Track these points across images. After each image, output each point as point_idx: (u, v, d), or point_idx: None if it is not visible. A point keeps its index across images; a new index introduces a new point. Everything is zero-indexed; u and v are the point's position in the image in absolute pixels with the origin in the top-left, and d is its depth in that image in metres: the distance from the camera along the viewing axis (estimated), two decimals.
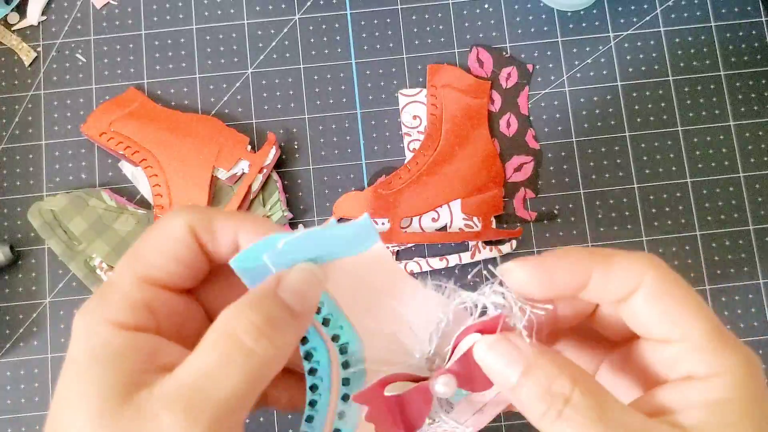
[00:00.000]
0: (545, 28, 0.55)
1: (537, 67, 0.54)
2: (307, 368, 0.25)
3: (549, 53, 0.54)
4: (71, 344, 0.23)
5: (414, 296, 0.25)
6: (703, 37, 0.54)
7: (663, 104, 0.53)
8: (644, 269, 0.23)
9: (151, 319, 0.23)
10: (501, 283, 0.24)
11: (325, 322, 0.25)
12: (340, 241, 0.24)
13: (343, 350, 0.25)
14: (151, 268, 0.24)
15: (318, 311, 0.25)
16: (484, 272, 0.27)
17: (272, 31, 0.55)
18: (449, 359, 0.25)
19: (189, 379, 0.21)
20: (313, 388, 0.25)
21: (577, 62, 0.54)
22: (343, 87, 0.54)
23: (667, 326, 0.22)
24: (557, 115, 0.53)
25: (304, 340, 0.25)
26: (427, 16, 0.55)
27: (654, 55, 0.54)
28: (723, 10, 0.55)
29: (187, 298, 0.26)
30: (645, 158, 0.53)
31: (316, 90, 0.54)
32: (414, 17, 0.55)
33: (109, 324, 0.22)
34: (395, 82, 0.54)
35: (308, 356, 0.25)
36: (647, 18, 0.55)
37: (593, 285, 0.23)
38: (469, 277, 0.45)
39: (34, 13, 0.55)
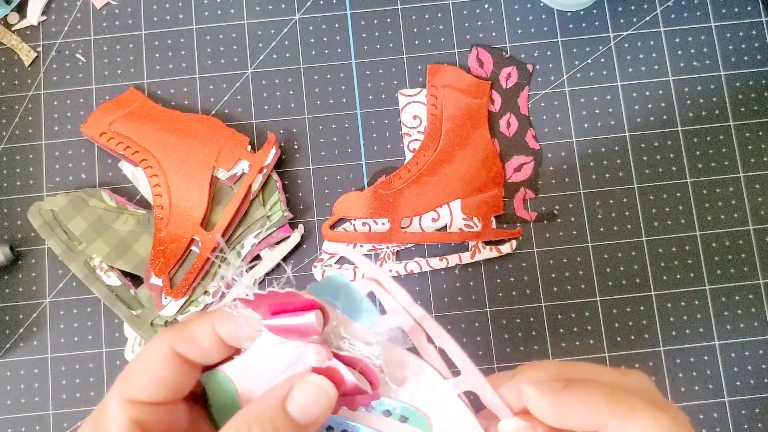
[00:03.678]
0: (545, 28, 0.55)
1: (537, 67, 0.54)
2: None
3: (549, 53, 0.54)
4: None
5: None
6: (703, 37, 0.54)
7: (663, 104, 0.53)
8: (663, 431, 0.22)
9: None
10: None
11: None
12: None
13: None
14: (134, 391, 0.25)
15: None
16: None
17: (272, 31, 0.55)
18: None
19: None
20: None
21: (577, 62, 0.54)
22: (343, 87, 0.54)
23: None
24: (557, 115, 0.53)
25: None
26: (427, 16, 0.55)
27: (654, 55, 0.54)
28: (723, 10, 0.55)
29: (182, 405, 0.27)
30: (645, 158, 0.53)
31: (316, 90, 0.54)
32: (414, 17, 0.55)
33: None
34: (395, 82, 0.54)
35: None
36: (647, 18, 0.55)
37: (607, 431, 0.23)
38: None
39: (34, 13, 0.55)
